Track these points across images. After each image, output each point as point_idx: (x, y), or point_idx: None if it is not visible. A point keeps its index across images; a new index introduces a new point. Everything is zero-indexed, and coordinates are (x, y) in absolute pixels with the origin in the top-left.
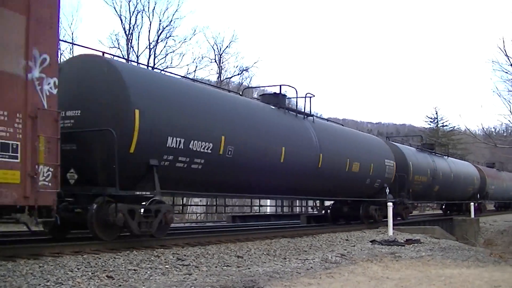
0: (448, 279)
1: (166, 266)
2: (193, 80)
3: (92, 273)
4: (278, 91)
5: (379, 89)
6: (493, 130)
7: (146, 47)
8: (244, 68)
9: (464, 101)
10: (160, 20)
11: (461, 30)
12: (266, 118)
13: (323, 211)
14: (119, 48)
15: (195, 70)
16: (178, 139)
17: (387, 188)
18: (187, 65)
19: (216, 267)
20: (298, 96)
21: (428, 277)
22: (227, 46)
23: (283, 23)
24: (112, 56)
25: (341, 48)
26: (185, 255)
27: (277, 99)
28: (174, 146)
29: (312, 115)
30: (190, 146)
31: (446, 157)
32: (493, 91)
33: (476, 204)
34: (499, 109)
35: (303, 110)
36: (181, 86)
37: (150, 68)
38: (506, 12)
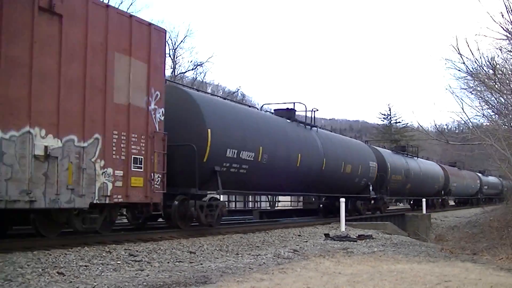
0: (399, 274)
1: (118, 262)
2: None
3: (42, 270)
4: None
5: (332, 85)
6: (445, 127)
7: None
8: (199, 63)
9: (417, 98)
10: None
11: (416, 28)
12: (286, 130)
13: (318, 205)
14: None
15: None
16: (233, 150)
17: (371, 185)
18: None
19: (168, 262)
20: (305, 110)
21: (380, 273)
22: (181, 41)
23: (238, 18)
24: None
25: (295, 43)
26: (137, 251)
27: (289, 114)
28: (231, 156)
29: (317, 126)
30: (240, 155)
31: (416, 158)
32: (446, 89)
33: (440, 200)
34: (452, 106)
35: (310, 122)
36: (234, 109)
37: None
38: (459, 12)
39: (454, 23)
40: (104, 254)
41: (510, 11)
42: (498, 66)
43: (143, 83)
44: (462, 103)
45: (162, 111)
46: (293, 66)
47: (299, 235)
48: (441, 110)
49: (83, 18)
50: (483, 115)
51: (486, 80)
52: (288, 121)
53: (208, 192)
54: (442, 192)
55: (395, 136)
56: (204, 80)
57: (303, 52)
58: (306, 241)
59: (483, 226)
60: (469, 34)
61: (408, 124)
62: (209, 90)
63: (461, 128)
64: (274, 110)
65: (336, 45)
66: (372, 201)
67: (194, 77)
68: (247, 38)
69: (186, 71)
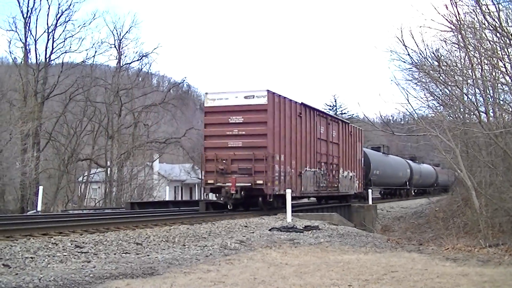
0: (346, 265)
1: (64, 254)
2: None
3: None
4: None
5: (278, 76)
6: (391, 118)
7: (45, 31)
8: (144, 54)
9: (363, 90)
10: (59, 4)
11: (361, 19)
12: (383, 158)
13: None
14: (16, 31)
15: (94, 56)
16: (374, 170)
17: (407, 182)
18: (86, 50)
19: (115, 254)
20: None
21: (326, 263)
22: (127, 31)
23: (183, 8)
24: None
25: (241, 32)
26: (83, 242)
27: (379, 148)
28: (374, 173)
29: (390, 154)
30: (375, 172)
31: (422, 163)
32: (391, 80)
33: (433, 189)
34: (397, 97)
35: (384, 151)
36: (376, 153)
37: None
38: (404, 3)
39: (399, 15)
40: (50, 246)
41: (454, 3)
42: (442, 57)
43: (360, 150)
44: (407, 95)
45: (362, 158)
46: (239, 56)
47: (246, 226)
48: (387, 101)
49: (359, 135)
50: (428, 106)
51: (430, 71)
52: (380, 153)
53: (369, 188)
54: (435, 184)
55: None
56: (149, 71)
57: (249, 42)
58: (253, 232)
59: (429, 217)
60: (414, 26)
61: (354, 115)
62: (154, 81)
63: (407, 119)
64: (371, 147)
65: (280, 35)
66: (405, 190)
67: (140, 68)
68: (192, 28)
69: (131, 62)
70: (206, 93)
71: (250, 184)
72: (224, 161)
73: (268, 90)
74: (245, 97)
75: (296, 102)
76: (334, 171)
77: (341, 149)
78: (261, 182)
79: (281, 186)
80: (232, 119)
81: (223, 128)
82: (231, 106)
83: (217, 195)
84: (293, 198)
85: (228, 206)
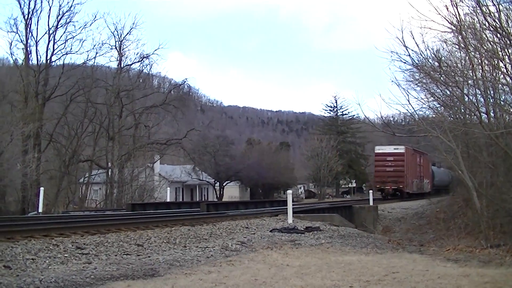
0: (347, 266)
1: (65, 255)
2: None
3: None
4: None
5: (279, 77)
6: (391, 119)
7: (46, 33)
8: (145, 55)
9: (363, 91)
10: (60, 5)
11: (361, 20)
12: (437, 170)
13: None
14: (17, 33)
15: (95, 57)
16: (435, 178)
17: (449, 184)
18: (87, 51)
19: (116, 255)
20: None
21: (327, 264)
22: (127, 33)
23: (184, 9)
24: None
25: (242, 35)
26: (84, 244)
27: (434, 164)
28: (435, 179)
29: (440, 166)
30: (436, 179)
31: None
32: (392, 81)
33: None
34: (398, 98)
35: (437, 165)
36: (435, 168)
37: None
38: (404, 4)
39: (400, 16)
40: (51, 247)
41: (455, 4)
42: (443, 58)
43: (430, 166)
44: (408, 95)
45: (431, 171)
46: (240, 56)
47: (247, 227)
48: (387, 102)
49: (428, 159)
50: (429, 107)
51: (431, 72)
52: (436, 167)
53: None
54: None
55: (342, 128)
56: (150, 72)
57: (250, 43)
58: (254, 233)
59: (430, 218)
60: (415, 26)
61: (354, 116)
62: (155, 82)
63: (407, 120)
64: (432, 164)
65: (280, 35)
66: (446, 189)
67: (140, 69)
68: (194, 30)
69: (132, 63)
70: (375, 146)
71: (396, 187)
72: (383, 177)
73: (404, 146)
74: (394, 148)
75: (409, 148)
76: (421, 180)
77: (423, 168)
78: (401, 186)
79: (407, 187)
80: (387, 158)
81: (383, 162)
82: (387, 153)
83: (381, 192)
84: (404, 193)
85: (388, 197)
